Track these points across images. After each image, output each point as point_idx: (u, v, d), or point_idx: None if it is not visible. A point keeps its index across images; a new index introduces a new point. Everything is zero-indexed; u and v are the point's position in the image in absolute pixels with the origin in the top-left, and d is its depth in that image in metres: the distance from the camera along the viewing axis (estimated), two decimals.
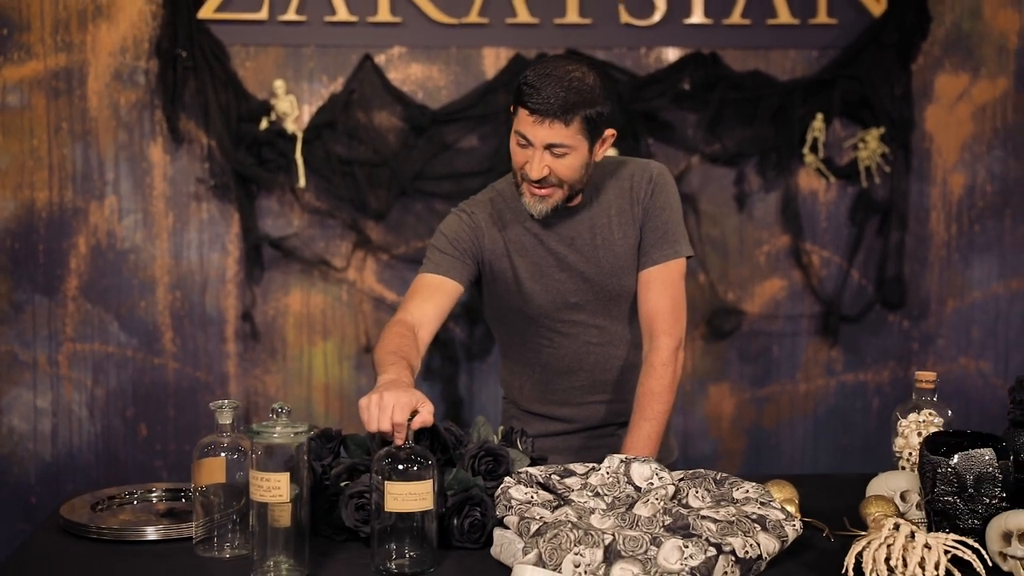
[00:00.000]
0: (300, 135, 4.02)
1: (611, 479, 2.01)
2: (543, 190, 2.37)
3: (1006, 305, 4.36)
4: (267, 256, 4.11)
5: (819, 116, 4.17)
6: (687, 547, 1.77)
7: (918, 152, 4.27)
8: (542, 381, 2.55)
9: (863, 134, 4.21)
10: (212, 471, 1.94)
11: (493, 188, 2.56)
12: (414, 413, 1.89)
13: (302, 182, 4.03)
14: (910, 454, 2.20)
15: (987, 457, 1.90)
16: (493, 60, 4.13)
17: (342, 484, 2.03)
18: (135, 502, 2.22)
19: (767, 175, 4.22)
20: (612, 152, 3.80)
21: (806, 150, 4.19)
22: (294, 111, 4.04)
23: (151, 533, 2.02)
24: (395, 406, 1.91)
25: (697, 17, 4.15)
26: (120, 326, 4.09)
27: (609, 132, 2.40)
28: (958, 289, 4.34)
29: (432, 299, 2.41)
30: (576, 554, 1.75)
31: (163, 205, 4.08)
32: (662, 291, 2.43)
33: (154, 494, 2.25)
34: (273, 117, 4.02)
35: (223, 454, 1.94)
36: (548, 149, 2.32)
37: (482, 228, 2.48)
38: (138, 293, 4.09)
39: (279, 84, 4.02)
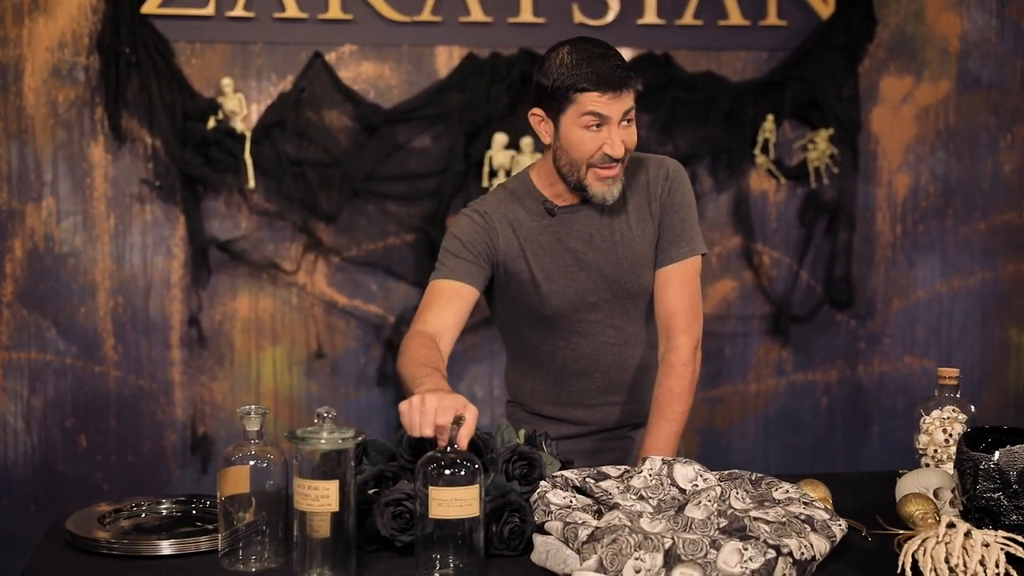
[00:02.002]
0: (248, 134, 3.90)
1: (654, 481, 1.96)
2: (614, 170, 2.31)
3: (949, 304, 4.44)
4: (214, 259, 3.97)
5: (770, 117, 4.19)
6: (747, 550, 1.73)
7: (865, 153, 4.32)
8: (557, 383, 2.49)
9: (812, 135, 4.25)
10: (237, 480, 1.84)
11: (504, 188, 2.47)
12: (459, 418, 1.81)
13: (251, 183, 3.91)
14: (935, 451, 2.20)
15: None
16: (446, 59, 4.06)
17: (370, 492, 1.95)
18: (143, 515, 2.10)
19: (719, 176, 4.23)
20: None
21: (757, 151, 4.21)
22: (242, 110, 3.91)
23: (167, 548, 1.91)
24: (438, 409, 1.83)
25: (650, 17, 4.14)
26: (58, 333, 3.91)
27: None
28: (903, 289, 4.40)
29: (450, 306, 2.33)
30: (636, 559, 1.69)
31: (104, 207, 3.91)
32: (680, 289, 2.39)
33: (163, 506, 2.13)
34: (220, 116, 3.90)
35: (250, 462, 1.84)
36: (622, 121, 2.28)
37: (496, 229, 2.39)
38: (78, 299, 3.92)
39: (227, 82, 3.89)
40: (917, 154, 4.37)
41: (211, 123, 3.88)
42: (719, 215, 4.25)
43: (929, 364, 4.42)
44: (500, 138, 3.99)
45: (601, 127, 2.27)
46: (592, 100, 2.25)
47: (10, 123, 3.84)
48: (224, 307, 4.00)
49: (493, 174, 4.00)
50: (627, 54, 4.12)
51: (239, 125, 3.90)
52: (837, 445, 4.41)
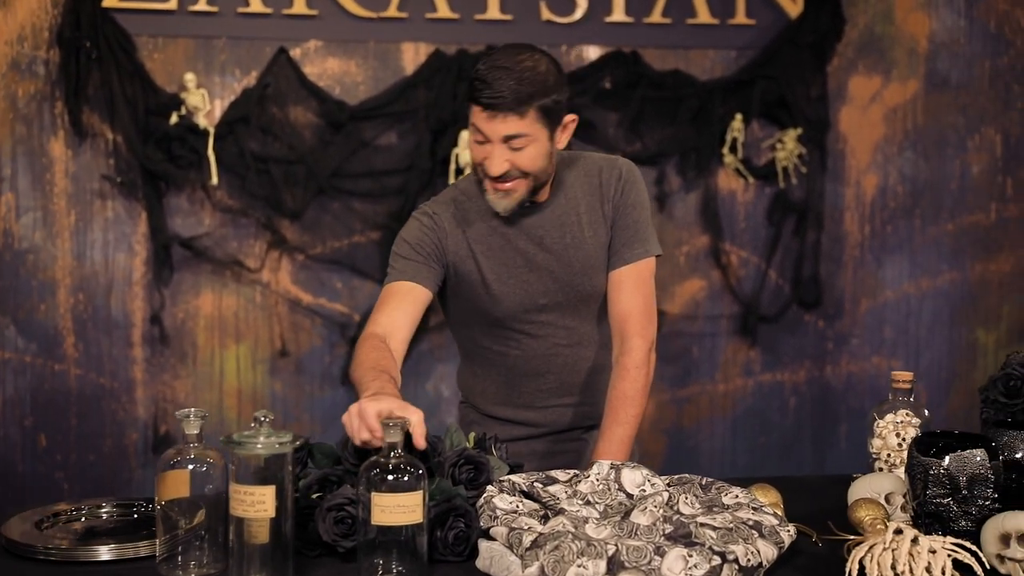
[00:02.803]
0: (212, 130, 3.87)
1: (601, 486, 1.93)
2: (506, 185, 2.28)
3: (916, 304, 4.43)
4: (176, 256, 3.93)
5: (738, 116, 4.18)
6: (691, 556, 1.70)
7: (833, 153, 4.31)
8: (508, 384, 2.46)
9: (781, 135, 4.23)
10: (176, 485, 1.81)
11: (456, 187, 2.45)
12: (401, 423, 1.78)
13: (214, 179, 3.87)
14: (888, 455, 2.18)
15: (979, 458, 1.88)
16: (412, 56, 4.03)
17: (313, 496, 1.92)
18: (83, 519, 2.06)
19: (687, 175, 4.21)
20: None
21: (725, 150, 4.19)
22: (205, 105, 3.88)
23: (105, 553, 1.87)
24: (376, 414, 1.81)
25: (618, 15, 4.12)
26: (17, 330, 3.87)
27: (569, 118, 2.33)
28: (871, 289, 4.39)
29: (401, 307, 2.30)
30: (579, 566, 1.67)
31: (64, 203, 3.87)
32: (634, 291, 2.36)
33: (104, 510, 2.09)
34: (183, 111, 3.86)
35: (189, 466, 1.81)
36: (506, 142, 2.23)
37: (445, 229, 2.37)
38: (37, 296, 3.87)
39: (190, 77, 3.85)
40: (885, 154, 4.36)
41: (174, 119, 3.84)
42: (687, 214, 4.23)
43: (897, 365, 4.41)
44: (467, 136, 3.95)
45: (485, 143, 2.25)
46: (476, 114, 2.23)
47: None
48: (187, 305, 3.96)
49: (459, 171, 3.97)
50: (595, 52, 4.10)
51: (202, 121, 3.86)
52: (805, 445, 4.40)
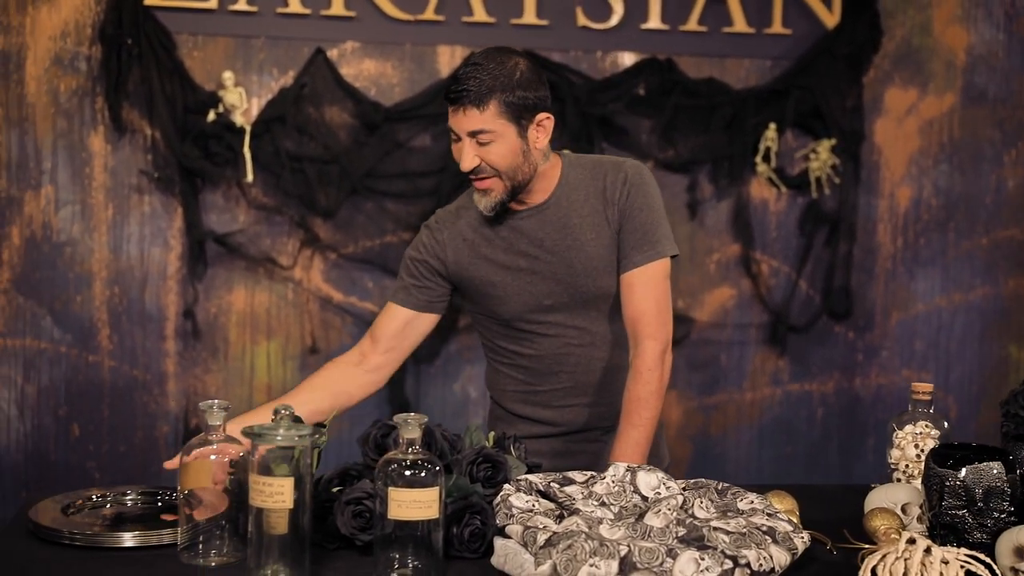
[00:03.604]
0: (248, 129, 3.91)
1: (617, 488, 1.95)
2: (482, 182, 2.35)
3: (948, 318, 4.41)
4: (211, 252, 3.98)
5: (772, 126, 4.17)
6: (703, 559, 1.72)
7: (867, 164, 4.30)
8: (525, 382, 2.51)
9: (814, 145, 4.23)
10: (199, 474, 1.84)
11: (467, 193, 2.52)
12: (418, 419, 1.80)
13: (249, 177, 3.91)
14: (907, 466, 2.18)
15: (995, 471, 1.88)
16: (448, 59, 4.06)
17: (333, 489, 1.95)
18: (108, 505, 2.10)
19: (719, 183, 4.21)
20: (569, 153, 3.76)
21: (758, 159, 4.20)
22: (243, 104, 3.92)
23: (128, 540, 1.91)
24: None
25: (654, 22, 4.13)
26: (54, 321, 3.93)
27: (543, 116, 2.36)
28: (902, 302, 4.38)
29: (387, 326, 2.52)
30: (591, 566, 1.69)
31: (103, 197, 3.93)
32: (644, 293, 2.38)
33: (128, 497, 2.13)
34: (221, 109, 3.90)
35: (212, 457, 1.84)
36: (472, 138, 2.30)
37: (444, 243, 2.47)
38: (74, 288, 3.93)
39: (228, 76, 3.90)
40: (920, 166, 4.35)
41: (211, 116, 3.89)
42: (718, 222, 4.24)
43: (927, 378, 4.39)
44: None
45: (457, 140, 2.33)
46: (449, 113, 2.33)
47: (11, 111, 3.85)
48: (220, 300, 4.01)
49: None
50: (630, 59, 4.12)
51: (239, 119, 3.91)
52: (832, 456, 4.39)
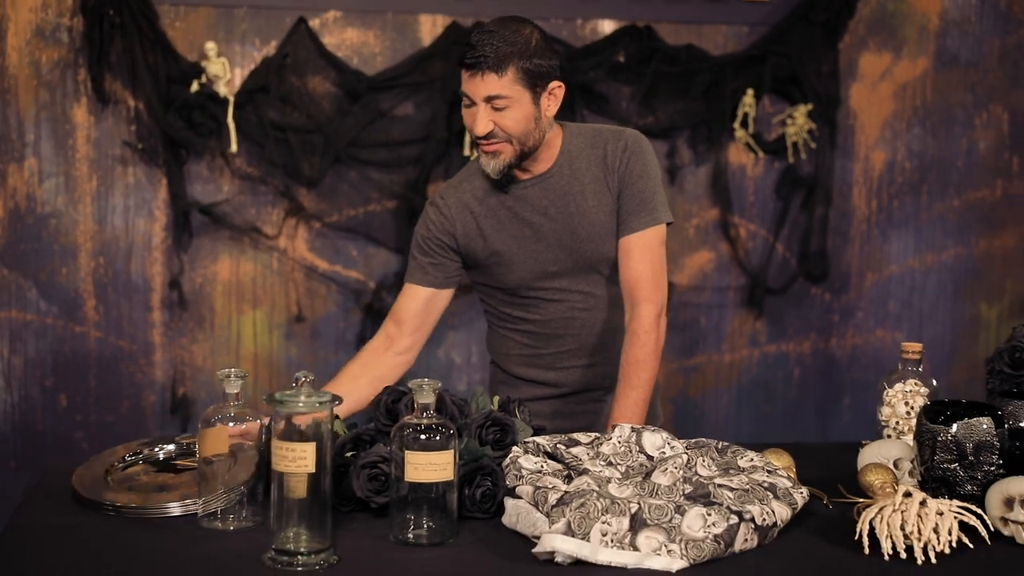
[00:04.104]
0: (232, 99, 3.92)
1: (623, 448, 2.02)
2: (492, 146, 2.40)
3: (921, 279, 4.50)
4: (196, 223, 4.00)
5: (750, 92, 4.23)
6: (710, 515, 1.79)
7: (843, 129, 4.37)
8: (530, 346, 2.58)
9: (791, 110, 4.29)
10: (217, 441, 1.89)
11: (470, 166, 2.59)
12: (433, 384, 1.86)
13: (233, 147, 3.93)
14: (897, 423, 2.26)
15: (985, 426, 1.96)
16: (429, 27, 4.08)
17: (347, 454, 2.00)
18: (141, 463, 2.18)
19: (698, 149, 4.27)
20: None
21: (736, 125, 4.25)
22: (226, 74, 3.93)
23: (176, 509, 1.96)
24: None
25: None
26: (39, 293, 3.94)
27: (555, 84, 2.43)
28: (877, 263, 4.47)
29: (407, 307, 2.56)
30: (603, 523, 1.75)
31: (86, 168, 3.93)
32: (641, 258, 2.45)
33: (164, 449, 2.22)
34: (204, 80, 3.91)
35: (230, 424, 1.89)
36: (488, 103, 2.35)
37: (453, 217, 2.52)
38: (59, 259, 3.95)
39: (210, 46, 3.90)
40: (894, 130, 4.43)
41: (194, 87, 3.90)
42: (697, 187, 4.30)
43: (901, 338, 4.49)
44: None
45: (472, 105, 2.37)
46: (463, 78, 2.38)
47: None
48: (205, 270, 4.03)
49: (475, 143, 4.03)
50: (609, 26, 4.16)
51: (222, 89, 3.92)
52: (808, 415, 4.48)
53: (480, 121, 2.35)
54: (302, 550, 1.75)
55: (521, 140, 2.39)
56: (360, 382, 2.47)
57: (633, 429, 2.05)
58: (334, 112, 4.01)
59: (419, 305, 2.54)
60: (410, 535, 1.84)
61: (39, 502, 2.04)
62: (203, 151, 3.96)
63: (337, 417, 1.95)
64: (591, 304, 2.54)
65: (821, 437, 4.44)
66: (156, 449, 2.21)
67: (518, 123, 2.37)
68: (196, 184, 3.99)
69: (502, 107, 2.35)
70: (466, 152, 4.04)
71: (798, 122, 4.28)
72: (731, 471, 1.98)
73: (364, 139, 4.03)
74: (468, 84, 2.35)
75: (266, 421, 1.92)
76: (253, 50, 3.98)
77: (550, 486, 1.87)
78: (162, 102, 3.88)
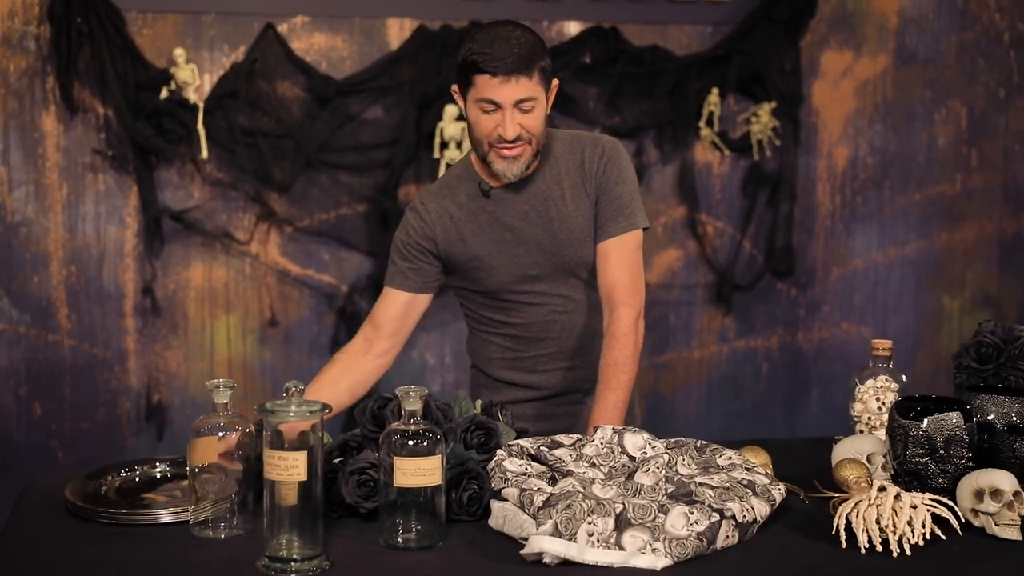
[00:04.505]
0: (201, 105, 3.93)
1: (605, 449, 2.06)
2: (515, 150, 2.41)
3: (884, 272, 4.58)
4: (167, 229, 4.01)
5: (714, 91, 4.29)
6: (692, 513, 1.84)
7: (806, 126, 4.44)
8: (512, 350, 2.61)
9: (755, 108, 4.35)
10: (207, 451, 1.92)
11: (449, 173, 2.61)
12: (419, 391, 1.90)
13: (204, 153, 3.95)
14: (869, 418, 2.32)
15: (955, 420, 2.02)
16: (397, 31, 4.11)
17: (334, 461, 2.03)
18: (137, 478, 2.20)
19: (664, 148, 4.33)
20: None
21: (702, 124, 4.31)
22: (195, 80, 3.94)
23: (164, 516, 1.99)
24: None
25: None
26: (11, 302, 3.94)
27: (555, 82, 2.49)
28: (841, 258, 4.54)
29: (385, 311, 2.59)
30: (589, 523, 1.80)
31: (56, 176, 3.94)
32: (619, 263, 2.49)
33: (157, 469, 2.23)
34: (173, 86, 3.92)
35: (219, 434, 1.92)
36: (517, 106, 2.37)
37: (433, 223, 2.53)
38: (30, 268, 3.95)
39: (179, 52, 3.92)
40: (856, 127, 4.50)
41: (164, 93, 3.91)
42: (664, 186, 4.35)
43: (866, 331, 4.57)
44: (451, 110, 4.06)
45: (496, 111, 2.37)
46: (485, 84, 2.35)
47: None
48: (178, 276, 4.04)
49: (444, 146, 4.07)
50: (575, 27, 4.20)
51: (192, 95, 3.93)
52: (777, 409, 4.55)
53: (510, 125, 2.36)
54: (295, 557, 1.78)
55: (539, 140, 2.43)
56: (340, 387, 2.50)
57: (615, 430, 2.10)
58: (304, 117, 4.04)
59: (398, 309, 2.57)
60: (399, 539, 1.88)
61: (30, 511, 2.06)
62: (173, 157, 3.97)
63: None
64: (570, 308, 2.58)
65: (789, 431, 4.51)
66: (150, 468, 2.24)
67: (539, 123, 2.41)
68: (167, 190, 4.00)
69: (529, 109, 2.37)
70: (436, 155, 4.07)
71: (762, 120, 4.34)
72: (711, 469, 2.03)
73: (334, 143, 4.05)
74: (497, 90, 2.34)
75: (250, 429, 1.96)
76: (222, 56, 3.99)
77: (535, 488, 1.91)
78: (131, 109, 3.89)
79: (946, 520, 1.92)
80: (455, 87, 2.46)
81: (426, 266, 2.55)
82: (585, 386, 2.61)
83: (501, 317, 2.59)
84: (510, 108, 2.35)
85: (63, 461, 4.01)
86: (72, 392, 4.01)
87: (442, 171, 4.06)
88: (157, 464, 2.25)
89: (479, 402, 2.23)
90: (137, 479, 2.20)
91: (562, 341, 2.59)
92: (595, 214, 2.52)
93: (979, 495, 1.95)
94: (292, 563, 1.77)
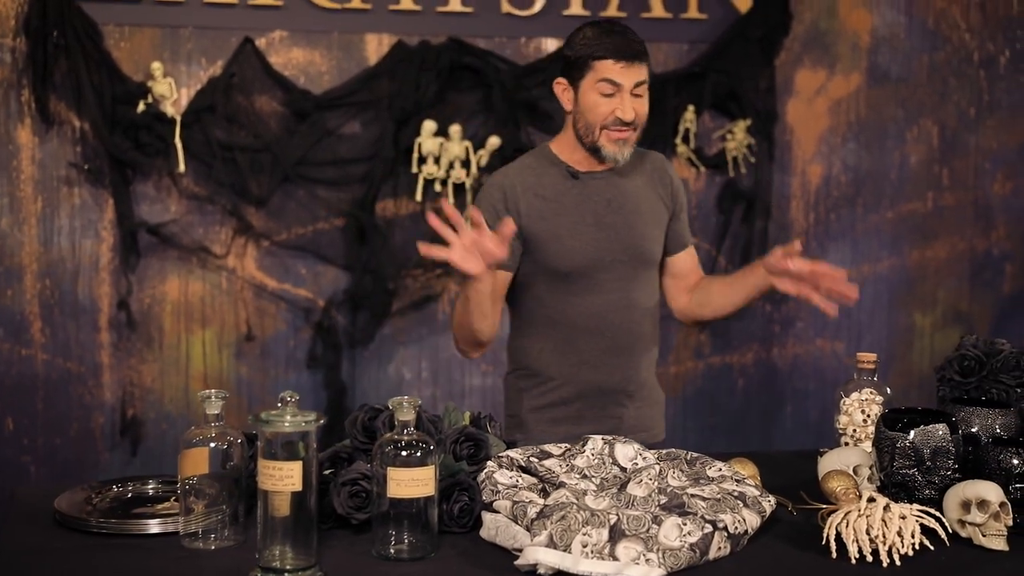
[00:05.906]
0: (178, 119, 3.92)
1: (596, 460, 2.07)
2: (625, 133, 2.59)
3: (858, 289, 4.61)
4: (143, 243, 3.99)
5: (690, 108, 4.32)
6: (685, 524, 1.84)
7: (780, 144, 4.48)
8: (566, 340, 2.67)
9: (731, 126, 4.39)
10: (197, 462, 1.91)
11: (528, 156, 2.74)
12: (412, 402, 1.90)
13: (181, 167, 3.93)
14: (854, 431, 2.34)
15: (941, 432, 2.04)
16: (375, 46, 4.12)
17: (325, 472, 2.03)
18: (129, 494, 2.18)
19: None
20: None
21: (678, 140, 4.34)
22: (172, 94, 3.93)
23: (154, 526, 1.98)
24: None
25: (575, 9, 4.24)
26: None
27: None
28: None
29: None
30: (584, 534, 1.80)
31: (31, 190, 3.91)
32: (696, 264, 2.89)
33: (149, 486, 2.21)
34: (150, 100, 3.91)
35: (210, 444, 1.91)
36: (634, 89, 2.57)
37: (517, 195, 2.63)
38: (4, 281, 3.91)
39: (156, 66, 3.90)
40: (830, 145, 4.54)
41: (141, 107, 3.89)
42: None
43: (840, 347, 4.61)
44: (429, 125, 4.07)
45: (614, 94, 2.55)
46: (607, 68, 2.55)
47: None
48: (153, 290, 4.02)
49: (422, 160, 4.07)
50: (552, 44, 4.22)
51: (169, 109, 3.92)
52: (753, 424, 4.57)
53: (628, 107, 2.55)
54: (288, 567, 1.77)
55: (642, 128, 2.64)
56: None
57: (605, 441, 2.11)
58: (281, 131, 4.03)
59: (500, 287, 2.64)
60: (392, 550, 1.87)
61: (19, 523, 2.04)
62: (150, 171, 3.96)
63: None
64: (629, 303, 2.69)
65: (765, 445, 4.53)
66: (142, 485, 2.23)
67: (647, 107, 2.62)
68: (143, 204, 3.98)
69: (640, 94, 2.59)
70: (414, 170, 4.08)
71: (737, 137, 4.38)
72: (701, 481, 2.05)
73: (312, 158, 4.05)
74: (623, 73, 2.54)
75: (241, 440, 1.95)
76: (199, 70, 3.98)
77: (527, 500, 1.91)
78: (108, 122, 3.87)
79: (934, 531, 1.94)
80: (560, 80, 2.64)
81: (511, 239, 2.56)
82: (628, 387, 2.70)
83: (561, 304, 2.65)
84: (627, 92, 2.55)
85: (36, 476, 3.97)
86: (45, 407, 3.98)
87: (420, 185, 4.07)
88: (149, 481, 2.23)
89: (467, 414, 2.23)
90: (129, 495, 2.18)
91: (616, 337, 2.68)
92: (665, 219, 2.74)
93: (966, 506, 1.97)
94: (285, 574, 1.77)
